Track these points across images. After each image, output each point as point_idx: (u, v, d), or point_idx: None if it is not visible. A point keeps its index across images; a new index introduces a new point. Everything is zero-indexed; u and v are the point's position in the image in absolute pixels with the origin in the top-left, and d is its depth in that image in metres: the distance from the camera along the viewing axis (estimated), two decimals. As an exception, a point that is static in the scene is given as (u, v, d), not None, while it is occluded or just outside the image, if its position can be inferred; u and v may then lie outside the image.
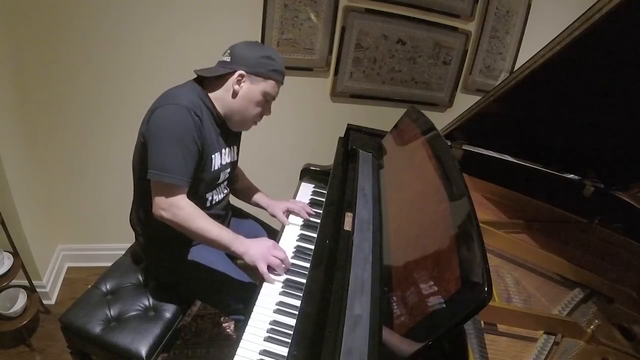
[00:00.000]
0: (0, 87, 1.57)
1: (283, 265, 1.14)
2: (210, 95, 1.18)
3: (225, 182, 1.35)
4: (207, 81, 1.18)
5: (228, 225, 1.42)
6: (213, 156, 1.19)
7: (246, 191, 1.53)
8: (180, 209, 1.07)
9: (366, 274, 0.98)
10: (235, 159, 1.37)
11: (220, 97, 1.18)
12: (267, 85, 1.18)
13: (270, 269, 1.13)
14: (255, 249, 1.13)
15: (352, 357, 0.78)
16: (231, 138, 1.29)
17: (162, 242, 1.28)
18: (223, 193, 1.34)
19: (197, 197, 1.20)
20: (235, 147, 1.35)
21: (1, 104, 1.58)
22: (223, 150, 1.25)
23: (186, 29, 1.76)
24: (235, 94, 1.16)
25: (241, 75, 1.15)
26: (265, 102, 1.21)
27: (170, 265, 1.30)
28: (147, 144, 1.08)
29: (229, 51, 1.18)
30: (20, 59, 1.62)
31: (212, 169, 1.21)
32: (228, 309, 1.27)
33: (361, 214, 1.18)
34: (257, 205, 1.51)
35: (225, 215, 1.39)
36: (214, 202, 1.29)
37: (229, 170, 1.32)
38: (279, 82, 1.21)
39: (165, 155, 1.05)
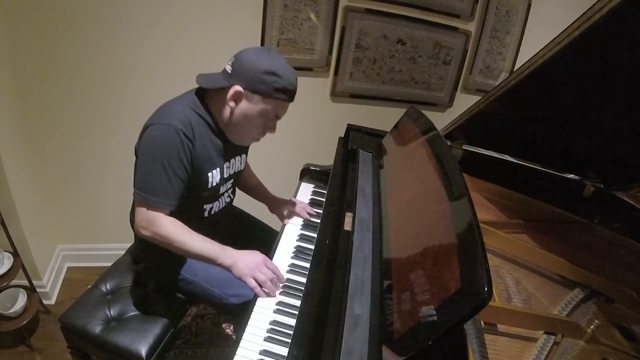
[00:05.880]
0: (0, 87, 1.57)
1: (270, 283, 1.07)
2: (210, 107, 1.11)
3: (229, 191, 1.32)
4: (209, 91, 1.11)
5: (225, 228, 1.42)
6: (210, 174, 1.14)
7: (251, 187, 1.50)
8: (159, 226, 1.05)
9: (366, 274, 0.98)
10: (242, 167, 1.32)
11: (220, 111, 1.10)
12: (268, 105, 1.06)
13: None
14: (243, 263, 1.07)
15: (352, 357, 0.78)
16: (237, 148, 1.23)
17: (154, 245, 1.27)
18: (225, 202, 1.31)
19: (195, 209, 1.18)
20: (243, 156, 1.30)
21: (1, 104, 1.58)
22: (226, 164, 1.20)
23: (186, 30, 1.76)
24: (232, 111, 1.08)
25: (238, 92, 1.04)
26: (267, 121, 1.11)
27: (164, 266, 1.28)
28: (136, 161, 1.08)
29: (233, 59, 1.07)
30: (20, 60, 1.62)
31: (210, 186, 1.16)
32: (226, 310, 1.26)
33: (361, 214, 1.18)
34: (259, 200, 1.49)
35: (222, 223, 1.35)
36: (212, 212, 1.26)
37: (232, 181, 1.28)
38: (285, 101, 1.08)
39: (151, 176, 1.03)
